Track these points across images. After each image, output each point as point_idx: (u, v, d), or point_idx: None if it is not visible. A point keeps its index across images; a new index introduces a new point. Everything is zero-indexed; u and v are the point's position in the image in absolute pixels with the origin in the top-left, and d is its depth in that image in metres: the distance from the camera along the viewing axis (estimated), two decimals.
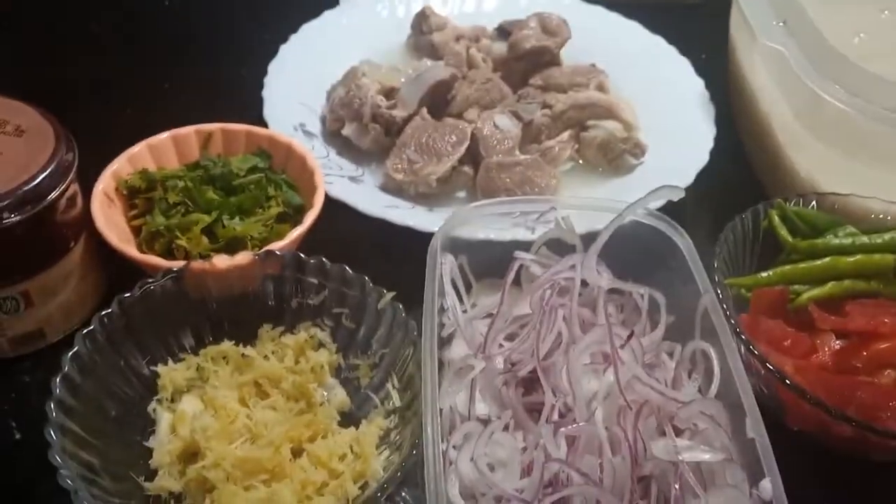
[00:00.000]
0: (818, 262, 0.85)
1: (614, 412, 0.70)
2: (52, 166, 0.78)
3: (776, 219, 0.87)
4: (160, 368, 0.78)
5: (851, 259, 0.84)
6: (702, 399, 0.72)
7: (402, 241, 0.91)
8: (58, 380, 0.69)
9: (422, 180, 1.01)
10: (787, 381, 0.73)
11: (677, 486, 0.66)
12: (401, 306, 0.78)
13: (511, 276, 0.80)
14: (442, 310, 0.78)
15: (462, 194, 1.05)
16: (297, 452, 0.74)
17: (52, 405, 0.68)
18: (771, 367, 0.74)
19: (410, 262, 0.79)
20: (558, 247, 0.84)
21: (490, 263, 0.84)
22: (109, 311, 0.76)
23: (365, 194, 1.00)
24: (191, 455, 0.73)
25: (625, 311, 0.84)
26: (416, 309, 0.75)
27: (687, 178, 1.00)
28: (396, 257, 0.87)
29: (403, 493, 0.75)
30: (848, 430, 0.73)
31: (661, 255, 0.81)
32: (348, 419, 0.79)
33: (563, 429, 0.68)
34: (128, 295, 0.77)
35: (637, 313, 0.82)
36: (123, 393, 0.76)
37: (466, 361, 0.75)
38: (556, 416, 0.71)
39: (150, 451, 0.74)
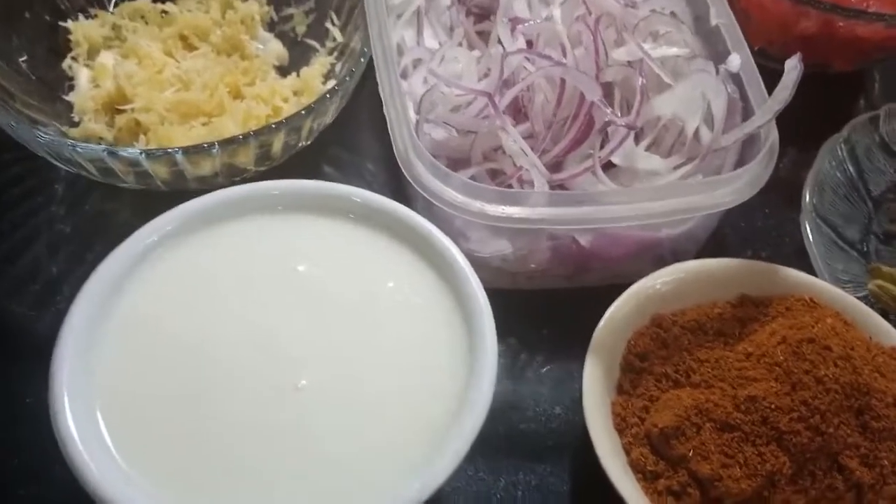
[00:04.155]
0: None
1: (573, 17, 0.66)
2: None
3: None
4: (70, 24, 0.70)
5: None
6: None
7: None
8: None
9: None
10: None
11: (643, 80, 0.62)
12: None
13: None
14: None
15: None
16: (236, 97, 0.68)
17: None
18: None
19: None
20: None
21: None
22: None
23: None
24: (118, 107, 0.67)
25: None
26: None
27: None
28: None
29: None
30: (812, 24, 0.70)
31: None
32: (287, 72, 0.73)
33: (520, 26, 0.64)
34: None
35: None
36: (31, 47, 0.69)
37: None
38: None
39: (72, 106, 0.68)
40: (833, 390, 0.50)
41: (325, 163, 0.69)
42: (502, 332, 0.62)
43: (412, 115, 0.59)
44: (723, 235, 0.68)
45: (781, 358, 0.52)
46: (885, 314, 0.61)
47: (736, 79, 0.62)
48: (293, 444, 0.43)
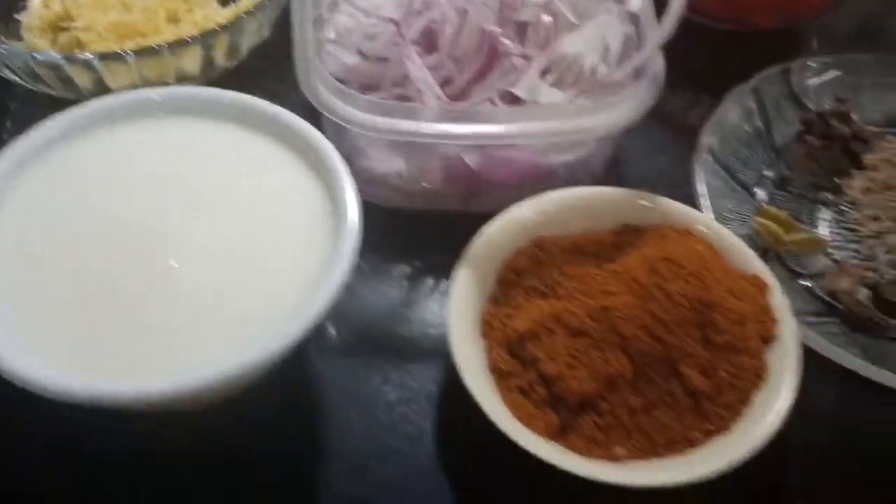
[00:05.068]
0: None
1: None
2: None
3: None
4: None
5: None
6: None
7: None
8: None
9: None
10: None
11: (548, 18, 0.65)
12: None
13: None
14: None
15: None
16: (173, 21, 0.73)
17: None
18: None
19: None
20: None
21: None
22: None
23: None
24: (61, 25, 0.72)
25: None
26: None
27: None
28: None
29: None
30: None
31: None
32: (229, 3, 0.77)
33: None
34: None
35: None
36: None
37: None
38: None
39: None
40: (679, 304, 0.53)
41: (255, 89, 0.73)
42: (403, 255, 0.66)
43: (312, 37, 0.63)
44: (623, 174, 0.71)
45: (640, 274, 0.55)
46: (765, 252, 0.64)
47: (634, 19, 0.65)
48: (166, 309, 0.48)
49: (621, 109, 0.59)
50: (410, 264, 0.65)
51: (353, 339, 0.61)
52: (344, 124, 0.58)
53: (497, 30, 0.62)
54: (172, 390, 0.44)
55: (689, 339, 0.53)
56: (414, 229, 0.66)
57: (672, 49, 0.81)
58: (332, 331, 0.61)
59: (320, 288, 0.47)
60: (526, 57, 0.62)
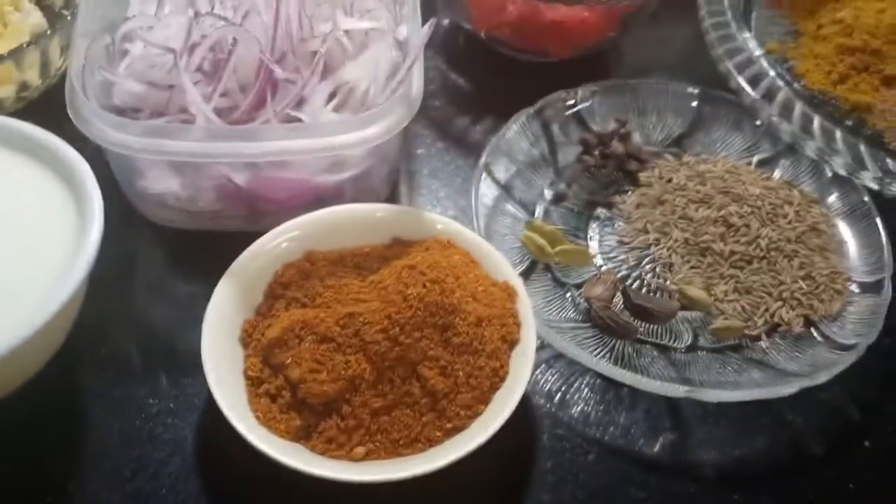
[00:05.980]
0: None
1: None
2: None
3: None
4: None
5: None
6: None
7: None
8: None
9: None
10: None
11: (325, 47, 0.68)
12: None
13: None
14: None
15: None
16: None
17: None
18: None
19: None
20: None
21: None
22: None
23: None
24: None
25: None
26: None
27: None
28: None
29: None
30: (516, 9, 0.77)
31: None
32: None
33: None
34: None
35: None
36: None
37: None
38: None
39: None
40: (416, 307, 0.56)
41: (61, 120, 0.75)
42: (189, 274, 0.68)
43: (79, 66, 0.65)
44: (413, 194, 0.74)
45: (388, 282, 0.58)
46: (535, 263, 0.67)
47: (402, 46, 0.68)
48: None
49: (375, 127, 0.62)
50: (195, 283, 0.67)
51: (127, 354, 0.62)
52: (101, 144, 0.60)
53: (268, 58, 0.65)
54: None
55: (429, 342, 0.56)
56: (202, 250, 0.67)
57: (475, 78, 0.86)
58: (106, 345, 0.63)
59: (46, 301, 0.49)
60: (292, 81, 0.65)
